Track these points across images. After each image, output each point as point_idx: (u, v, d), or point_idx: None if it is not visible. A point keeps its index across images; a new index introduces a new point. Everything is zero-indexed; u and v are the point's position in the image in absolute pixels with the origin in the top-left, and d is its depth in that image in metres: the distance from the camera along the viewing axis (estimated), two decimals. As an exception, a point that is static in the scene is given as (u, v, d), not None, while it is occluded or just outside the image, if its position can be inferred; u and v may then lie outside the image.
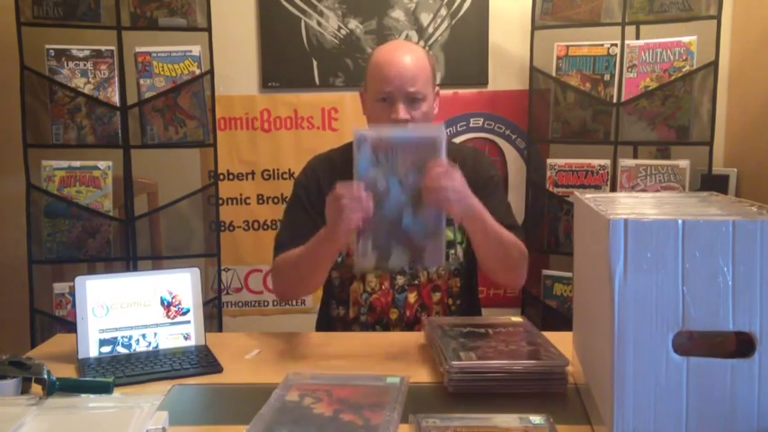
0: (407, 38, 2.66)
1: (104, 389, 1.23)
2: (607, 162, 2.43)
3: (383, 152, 1.37)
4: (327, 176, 1.74)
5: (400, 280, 1.71)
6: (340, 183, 1.39)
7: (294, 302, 2.77)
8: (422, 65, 1.65)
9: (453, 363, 1.23)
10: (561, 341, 1.35)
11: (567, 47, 2.46)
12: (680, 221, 0.89)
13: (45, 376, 1.21)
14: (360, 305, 1.72)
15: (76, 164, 2.40)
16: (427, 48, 2.65)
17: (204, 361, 1.42)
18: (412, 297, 1.71)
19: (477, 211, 1.48)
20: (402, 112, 1.61)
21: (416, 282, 1.71)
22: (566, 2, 2.44)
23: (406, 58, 1.64)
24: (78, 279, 1.45)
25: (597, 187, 2.43)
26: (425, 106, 1.64)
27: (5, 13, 2.38)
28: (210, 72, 2.44)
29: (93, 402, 1.19)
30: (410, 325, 1.71)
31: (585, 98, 2.44)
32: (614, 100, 2.41)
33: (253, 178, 2.76)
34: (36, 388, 1.22)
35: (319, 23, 2.69)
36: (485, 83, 2.72)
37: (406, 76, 1.61)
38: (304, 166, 1.81)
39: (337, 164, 1.77)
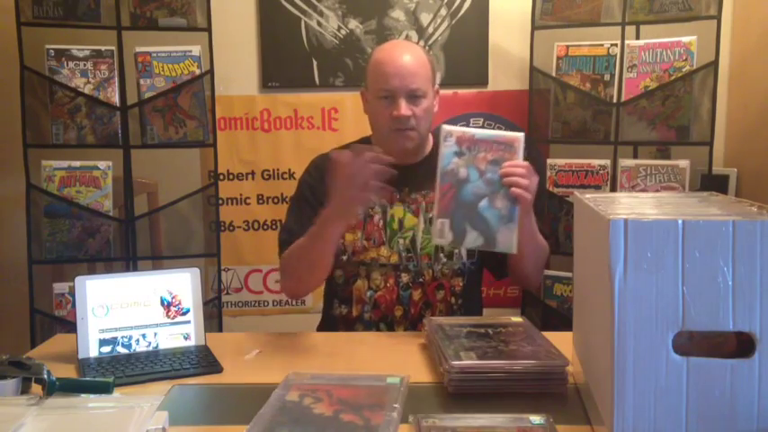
0: (407, 38, 2.66)
1: (104, 389, 1.23)
2: (607, 162, 2.42)
3: (466, 146, 1.49)
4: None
5: (405, 277, 1.71)
6: (337, 152, 1.47)
7: (294, 302, 2.77)
8: (422, 62, 1.69)
9: (453, 363, 1.23)
10: (561, 341, 1.35)
11: (567, 47, 2.46)
12: (680, 221, 0.89)
13: (45, 376, 1.21)
14: (364, 303, 1.72)
15: (76, 164, 2.39)
16: (427, 48, 2.65)
17: (204, 361, 1.42)
18: (416, 294, 1.72)
19: (531, 212, 1.57)
20: (404, 108, 1.64)
21: (421, 280, 1.72)
22: (566, 2, 2.44)
23: (406, 56, 1.67)
24: (78, 279, 1.45)
25: (597, 187, 2.43)
26: (426, 103, 1.68)
27: (5, 13, 2.37)
28: (210, 72, 2.44)
29: (93, 402, 1.19)
30: (414, 322, 1.71)
31: (585, 98, 2.44)
32: (614, 100, 2.41)
33: (253, 178, 2.76)
34: (36, 388, 1.22)
35: (319, 23, 2.69)
36: (485, 83, 2.72)
37: (406, 73, 1.65)
38: (308, 164, 1.82)
39: None
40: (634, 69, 2.39)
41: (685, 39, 2.34)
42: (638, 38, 2.44)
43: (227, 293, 2.78)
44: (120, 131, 2.41)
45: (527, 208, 1.50)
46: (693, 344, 0.92)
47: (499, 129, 2.71)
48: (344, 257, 1.72)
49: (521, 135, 1.50)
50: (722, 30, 2.31)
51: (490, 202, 1.47)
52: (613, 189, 2.41)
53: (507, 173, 1.47)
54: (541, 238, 1.69)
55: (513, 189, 1.46)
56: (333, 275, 1.73)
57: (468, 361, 1.25)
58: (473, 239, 1.49)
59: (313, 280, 1.69)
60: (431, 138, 1.79)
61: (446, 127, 1.50)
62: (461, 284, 1.74)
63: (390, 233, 1.72)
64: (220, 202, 2.65)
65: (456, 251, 1.72)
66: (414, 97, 1.65)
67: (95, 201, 2.40)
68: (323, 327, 1.84)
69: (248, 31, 2.70)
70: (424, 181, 1.69)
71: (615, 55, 2.41)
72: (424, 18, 2.68)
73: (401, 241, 1.72)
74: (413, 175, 1.73)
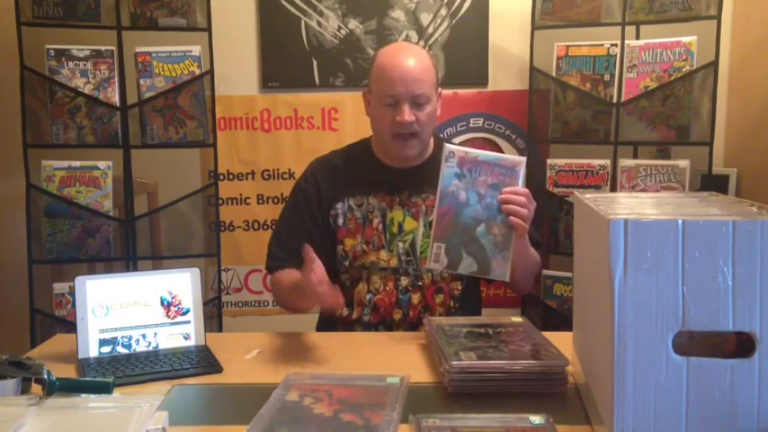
0: (407, 38, 2.66)
1: (104, 389, 1.23)
2: (607, 162, 2.42)
3: (467, 168, 1.48)
4: (328, 181, 1.75)
5: (404, 281, 1.71)
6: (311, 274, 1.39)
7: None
8: (426, 67, 1.67)
9: (453, 363, 1.23)
10: (561, 341, 1.35)
11: (567, 47, 2.45)
12: (680, 221, 0.89)
13: (45, 376, 1.21)
14: (364, 305, 1.72)
15: (76, 164, 2.39)
16: (427, 48, 2.65)
17: (204, 361, 1.42)
18: (415, 298, 1.71)
19: (525, 235, 1.56)
20: (407, 114, 1.63)
21: (420, 283, 1.71)
22: (566, 2, 2.44)
23: (411, 61, 1.66)
24: (78, 279, 1.45)
25: (597, 187, 2.43)
26: (430, 108, 1.67)
27: (5, 13, 2.37)
28: (210, 72, 2.44)
29: (93, 402, 1.19)
30: (413, 325, 1.71)
31: (585, 98, 2.44)
32: (614, 100, 2.41)
33: (253, 178, 2.76)
34: (36, 388, 1.22)
35: (319, 23, 2.69)
36: (485, 83, 2.72)
37: (411, 79, 1.63)
38: (305, 169, 1.81)
39: (339, 168, 1.77)
40: (634, 69, 2.39)
41: (685, 39, 2.34)
42: (638, 38, 2.44)
43: (227, 293, 2.78)
44: (120, 131, 2.41)
45: (522, 234, 1.51)
46: (693, 344, 0.93)
47: (499, 129, 2.72)
48: (346, 263, 1.72)
49: (522, 159, 1.50)
50: (722, 30, 2.31)
51: (487, 227, 1.48)
52: (613, 189, 2.41)
53: (507, 200, 1.47)
54: (533, 251, 1.69)
55: (512, 218, 1.46)
56: (340, 280, 1.73)
57: (468, 361, 1.25)
58: (467, 265, 1.49)
59: (300, 310, 1.70)
60: (432, 141, 1.78)
61: (448, 146, 1.50)
62: (460, 288, 1.74)
63: (390, 237, 1.72)
64: (220, 202, 2.65)
65: None
66: (418, 103, 1.65)
67: (95, 201, 2.40)
68: (321, 327, 1.84)
69: (248, 31, 2.70)
70: (425, 184, 1.69)
71: (615, 55, 2.40)
72: (424, 18, 2.68)
73: (401, 245, 1.71)
74: (413, 178, 1.73)
